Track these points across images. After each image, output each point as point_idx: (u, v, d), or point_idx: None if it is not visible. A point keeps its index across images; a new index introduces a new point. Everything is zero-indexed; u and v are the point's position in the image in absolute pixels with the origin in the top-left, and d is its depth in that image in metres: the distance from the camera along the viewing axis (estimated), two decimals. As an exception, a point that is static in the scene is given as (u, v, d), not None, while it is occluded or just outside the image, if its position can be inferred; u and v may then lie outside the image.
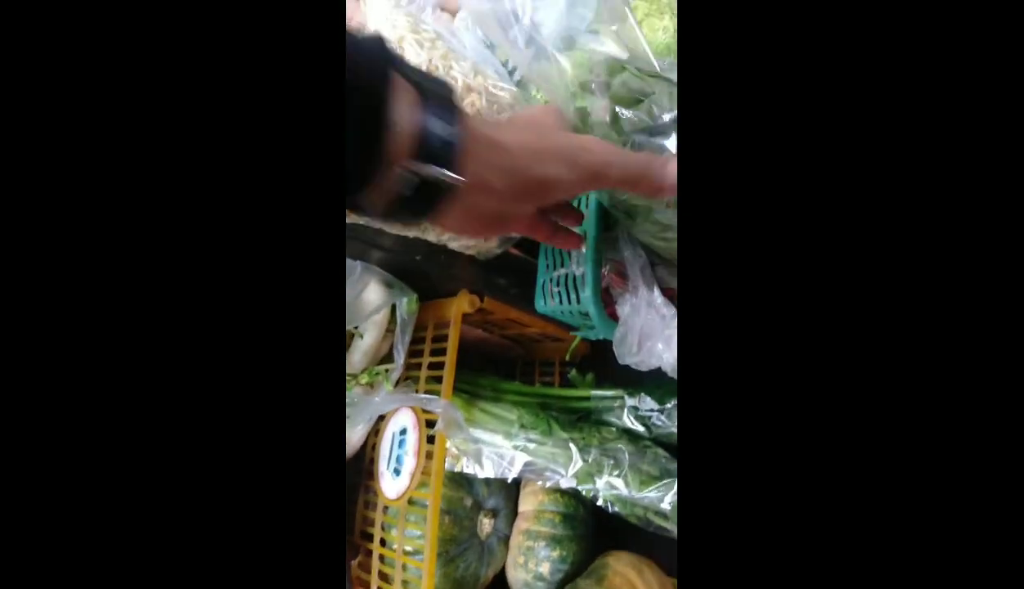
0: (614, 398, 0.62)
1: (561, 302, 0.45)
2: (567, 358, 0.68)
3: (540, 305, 0.48)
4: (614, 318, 0.42)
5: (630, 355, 0.41)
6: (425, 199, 0.25)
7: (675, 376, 0.44)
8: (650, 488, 0.57)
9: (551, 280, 0.47)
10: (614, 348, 0.41)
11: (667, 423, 0.60)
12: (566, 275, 0.45)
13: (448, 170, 0.25)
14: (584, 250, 0.41)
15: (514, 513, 0.64)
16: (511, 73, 0.62)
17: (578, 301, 0.43)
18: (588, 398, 0.64)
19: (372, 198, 0.25)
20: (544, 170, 0.28)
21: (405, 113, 0.24)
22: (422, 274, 0.56)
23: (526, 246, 0.54)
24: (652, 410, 0.61)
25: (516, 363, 0.87)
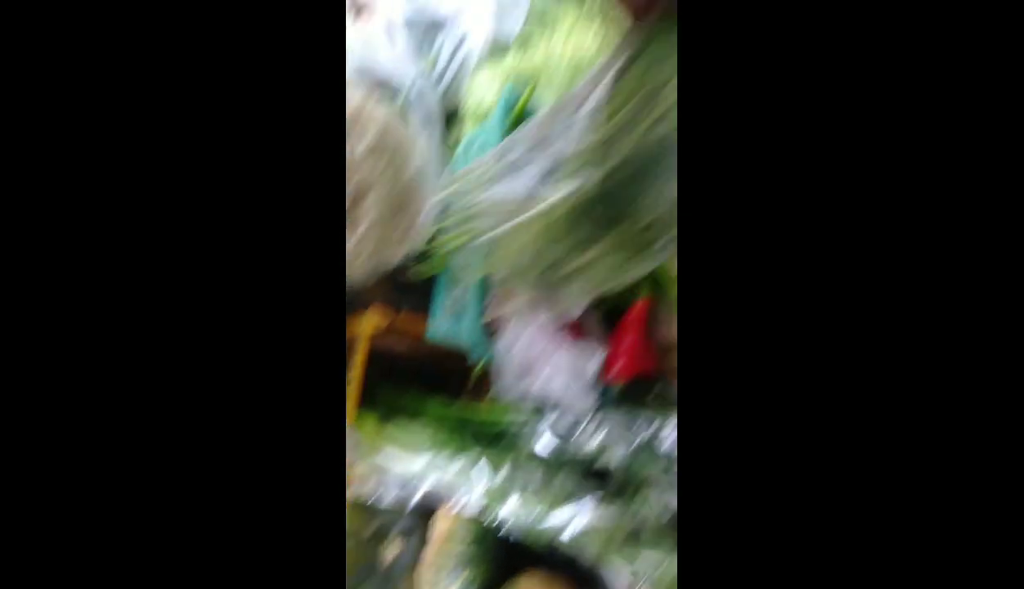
0: (533, 414, 0.61)
1: (451, 326, 0.44)
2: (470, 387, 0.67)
3: (432, 329, 0.47)
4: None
5: (512, 386, 0.39)
6: None
7: (570, 406, 0.43)
8: (556, 510, 0.56)
9: (448, 300, 0.45)
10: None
11: (585, 440, 0.59)
12: (462, 294, 0.43)
13: None
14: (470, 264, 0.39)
15: (424, 540, 0.63)
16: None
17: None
18: (506, 416, 0.62)
19: None
20: None
21: None
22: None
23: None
24: (571, 427, 0.59)
25: (450, 375, 0.85)
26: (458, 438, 0.59)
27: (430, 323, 0.47)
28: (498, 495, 0.56)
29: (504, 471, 0.56)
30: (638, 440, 0.52)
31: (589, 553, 0.57)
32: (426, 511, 0.62)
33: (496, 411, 0.65)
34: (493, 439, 0.62)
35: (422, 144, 0.42)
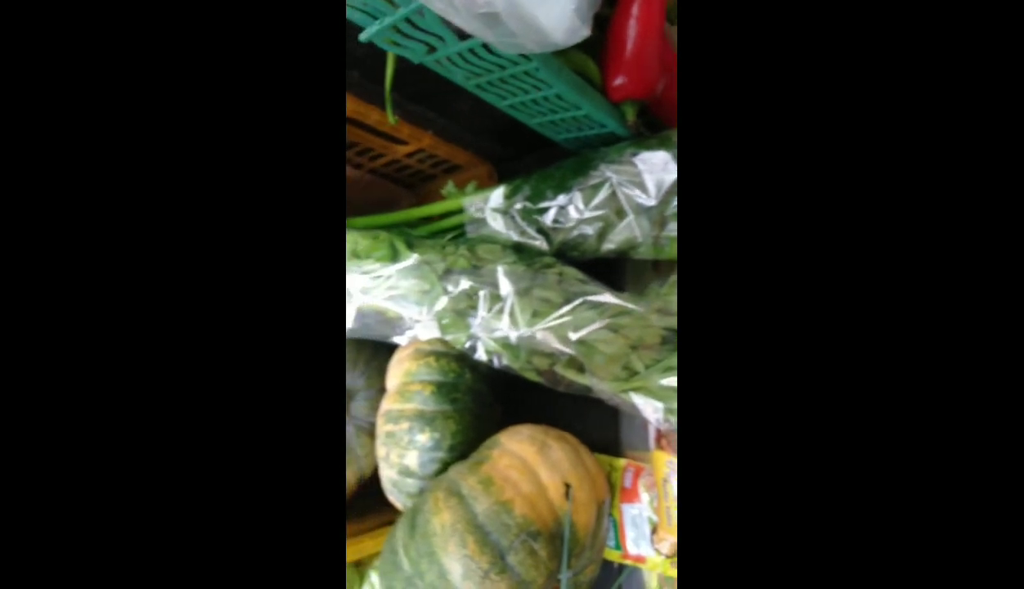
0: (502, 199, 0.40)
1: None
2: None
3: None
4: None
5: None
6: None
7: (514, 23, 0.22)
8: (546, 320, 0.36)
9: None
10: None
11: (569, 221, 0.38)
12: None
13: None
14: None
15: (381, 392, 0.45)
16: None
17: None
18: (461, 210, 0.42)
19: None
20: None
21: None
22: None
23: None
24: (551, 206, 0.38)
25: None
26: (386, 242, 0.39)
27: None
28: (455, 317, 0.37)
29: (461, 280, 0.36)
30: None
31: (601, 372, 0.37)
32: (388, 355, 0.44)
33: (449, 207, 0.44)
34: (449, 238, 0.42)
35: None
